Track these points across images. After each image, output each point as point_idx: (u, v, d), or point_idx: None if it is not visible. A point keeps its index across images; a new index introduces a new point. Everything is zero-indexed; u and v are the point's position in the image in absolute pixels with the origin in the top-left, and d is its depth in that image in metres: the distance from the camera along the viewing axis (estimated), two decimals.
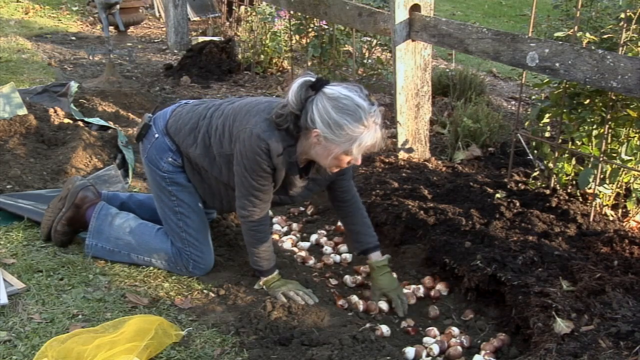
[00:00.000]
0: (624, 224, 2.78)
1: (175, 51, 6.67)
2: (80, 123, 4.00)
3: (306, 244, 2.98)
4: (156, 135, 2.55)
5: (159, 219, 2.63)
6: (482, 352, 2.18)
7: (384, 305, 2.49)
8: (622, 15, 2.56)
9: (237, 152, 2.32)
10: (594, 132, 2.85)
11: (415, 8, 3.30)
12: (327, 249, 2.93)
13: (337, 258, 2.87)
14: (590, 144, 2.88)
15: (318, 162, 2.33)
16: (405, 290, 2.58)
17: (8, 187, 3.12)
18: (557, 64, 2.59)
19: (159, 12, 8.29)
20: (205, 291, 2.45)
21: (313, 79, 2.22)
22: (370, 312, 2.47)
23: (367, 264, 2.60)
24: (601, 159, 2.70)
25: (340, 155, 2.22)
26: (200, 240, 2.56)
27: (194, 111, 2.53)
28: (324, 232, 3.08)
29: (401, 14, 3.28)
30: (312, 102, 2.19)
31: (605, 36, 2.73)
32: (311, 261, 2.84)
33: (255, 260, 2.47)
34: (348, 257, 2.87)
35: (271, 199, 2.43)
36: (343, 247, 2.94)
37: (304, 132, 2.24)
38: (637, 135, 2.76)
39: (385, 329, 2.32)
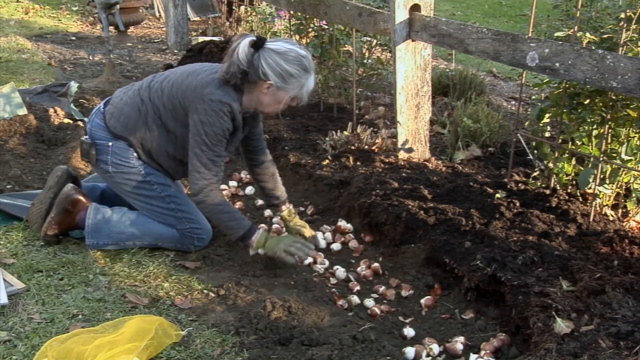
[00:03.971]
0: (624, 224, 2.78)
1: (175, 51, 6.67)
2: (80, 123, 4.00)
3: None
4: (110, 144, 2.63)
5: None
6: (482, 352, 2.18)
7: (341, 274, 2.68)
8: (622, 15, 2.56)
9: (196, 122, 2.49)
10: (594, 132, 2.85)
11: (415, 8, 3.30)
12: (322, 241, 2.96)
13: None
14: (590, 144, 2.88)
15: (262, 111, 2.62)
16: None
17: (8, 187, 3.13)
18: (557, 64, 2.59)
19: (159, 12, 8.29)
20: (205, 291, 2.45)
21: (255, 39, 2.48)
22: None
23: (280, 215, 2.98)
24: (601, 159, 2.70)
25: (289, 101, 2.56)
26: (193, 212, 2.70)
27: (126, 103, 2.64)
28: (323, 232, 3.08)
29: (401, 14, 3.28)
30: (260, 58, 2.46)
31: (605, 36, 2.73)
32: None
33: (234, 226, 2.58)
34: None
35: None
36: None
37: (251, 85, 2.51)
38: (637, 135, 2.76)
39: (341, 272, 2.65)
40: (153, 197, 2.66)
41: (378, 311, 2.48)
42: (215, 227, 2.84)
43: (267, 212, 3.24)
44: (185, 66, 2.74)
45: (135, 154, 2.65)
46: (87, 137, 2.68)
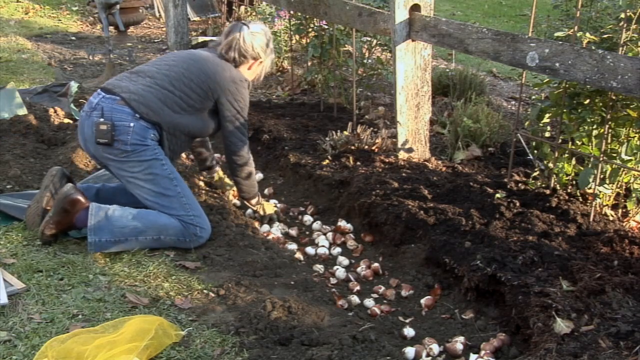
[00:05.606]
0: (624, 224, 2.78)
1: (175, 51, 6.67)
2: None
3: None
4: (131, 124, 2.70)
5: (136, 202, 2.77)
6: (482, 352, 2.18)
7: (341, 274, 2.77)
8: (622, 15, 2.56)
9: (231, 102, 2.87)
10: (594, 132, 2.85)
11: (415, 8, 3.30)
12: (324, 250, 2.94)
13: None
14: (590, 144, 2.88)
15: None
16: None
17: (8, 187, 3.12)
18: (557, 64, 2.59)
19: (159, 12, 8.29)
20: (205, 291, 2.45)
21: (247, 26, 2.93)
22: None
23: (213, 176, 3.40)
24: (601, 159, 2.70)
25: (264, 74, 3.08)
26: (194, 202, 2.82)
27: (148, 91, 2.76)
28: (324, 232, 3.09)
29: (401, 14, 3.28)
30: (253, 41, 2.92)
31: (605, 36, 2.73)
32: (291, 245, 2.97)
33: (255, 186, 3.10)
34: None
35: None
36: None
37: (242, 65, 2.94)
38: (637, 135, 2.76)
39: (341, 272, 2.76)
40: (162, 177, 2.72)
41: (378, 311, 2.48)
42: (214, 226, 2.85)
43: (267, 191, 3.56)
44: (187, 52, 3.04)
45: (152, 135, 2.73)
46: (103, 119, 2.70)
